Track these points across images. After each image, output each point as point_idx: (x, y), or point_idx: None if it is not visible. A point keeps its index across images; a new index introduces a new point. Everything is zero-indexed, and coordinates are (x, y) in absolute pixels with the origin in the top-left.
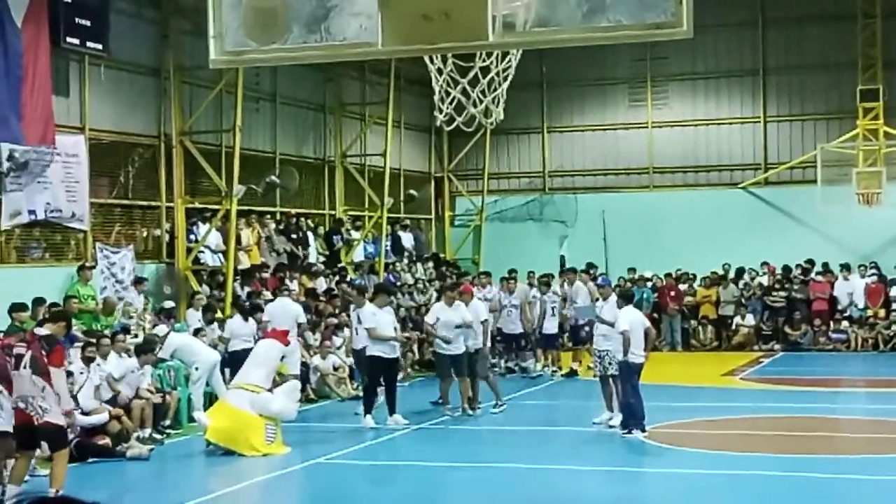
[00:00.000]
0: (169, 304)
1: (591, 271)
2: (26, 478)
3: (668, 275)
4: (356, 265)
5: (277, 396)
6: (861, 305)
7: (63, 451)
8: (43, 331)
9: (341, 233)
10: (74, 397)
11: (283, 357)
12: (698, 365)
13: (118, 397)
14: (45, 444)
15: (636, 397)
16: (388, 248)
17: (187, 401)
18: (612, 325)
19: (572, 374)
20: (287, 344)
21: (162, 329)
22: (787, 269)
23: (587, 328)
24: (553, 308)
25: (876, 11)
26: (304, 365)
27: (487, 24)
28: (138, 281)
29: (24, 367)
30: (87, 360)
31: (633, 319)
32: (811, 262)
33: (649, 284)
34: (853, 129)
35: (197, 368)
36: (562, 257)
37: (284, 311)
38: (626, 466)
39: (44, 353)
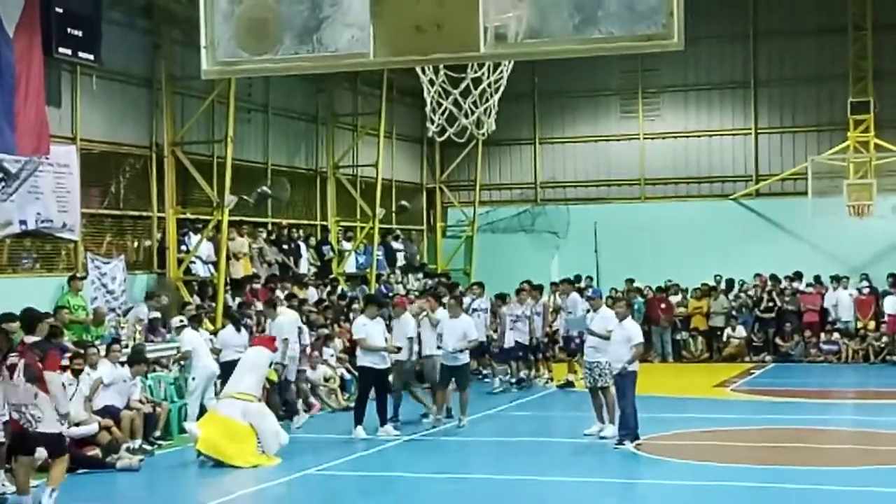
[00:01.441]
0: (154, 314)
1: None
2: (11, 488)
3: (659, 288)
4: (348, 276)
5: (272, 421)
6: (845, 318)
7: (63, 457)
8: (32, 338)
9: (330, 243)
10: None
11: (271, 363)
12: (689, 376)
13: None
14: (44, 452)
15: (633, 408)
16: (381, 258)
17: (178, 411)
18: (602, 336)
19: (568, 384)
20: (275, 350)
21: (176, 320)
22: (774, 278)
23: (577, 340)
24: (511, 321)
25: (867, 24)
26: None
27: (479, 36)
28: (149, 296)
29: (18, 376)
30: (76, 372)
31: (640, 330)
32: (799, 274)
33: (639, 295)
34: (844, 140)
35: (194, 378)
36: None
37: (288, 319)
38: (618, 478)
39: (37, 360)
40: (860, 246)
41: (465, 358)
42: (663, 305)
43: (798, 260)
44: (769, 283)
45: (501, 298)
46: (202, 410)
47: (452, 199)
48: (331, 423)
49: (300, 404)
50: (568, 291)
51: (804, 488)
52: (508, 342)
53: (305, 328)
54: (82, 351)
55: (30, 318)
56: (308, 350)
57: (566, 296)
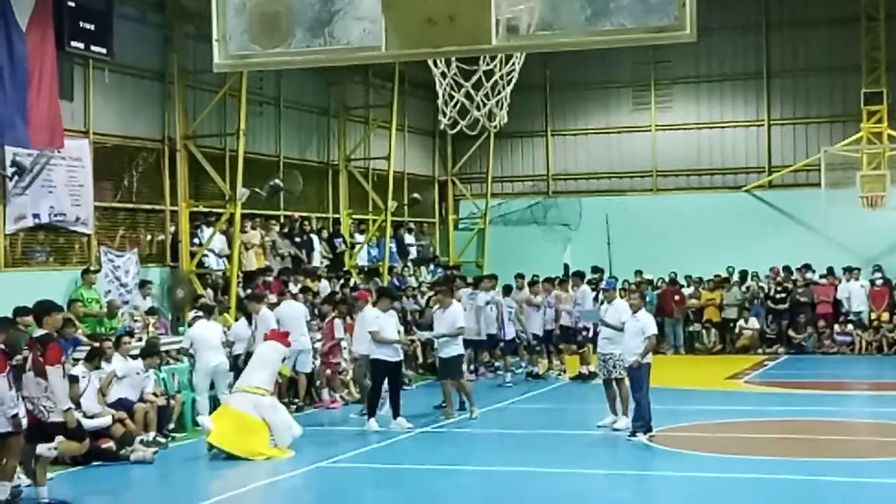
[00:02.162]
0: (148, 303)
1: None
2: (26, 481)
3: (672, 280)
4: (360, 269)
5: (284, 414)
6: (858, 309)
7: (79, 439)
8: (39, 331)
9: (342, 236)
10: (78, 402)
11: (283, 359)
12: (702, 368)
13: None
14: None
15: (647, 399)
16: (394, 251)
17: (191, 404)
18: (616, 328)
19: (580, 377)
20: (288, 345)
21: (191, 315)
22: (787, 269)
23: (584, 332)
24: (510, 313)
25: (880, 14)
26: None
27: (491, 28)
28: (143, 284)
29: (28, 370)
30: (95, 368)
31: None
32: (808, 265)
33: (650, 288)
34: (857, 132)
35: (196, 371)
36: (566, 265)
37: (293, 311)
38: (631, 470)
39: (39, 354)
40: (873, 237)
41: (454, 349)
42: (676, 298)
43: (811, 251)
44: (782, 273)
45: (507, 290)
46: (212, 402)
47: (464, 192)
48: (344, 416)
49: (326, 393)
50: (578, 284)
51: (819, 480)
52: (510, 334)
53: (339, 321)
54: (97, 344)
55: (37, 312)
56: (341, 343)
57: (576, 288)
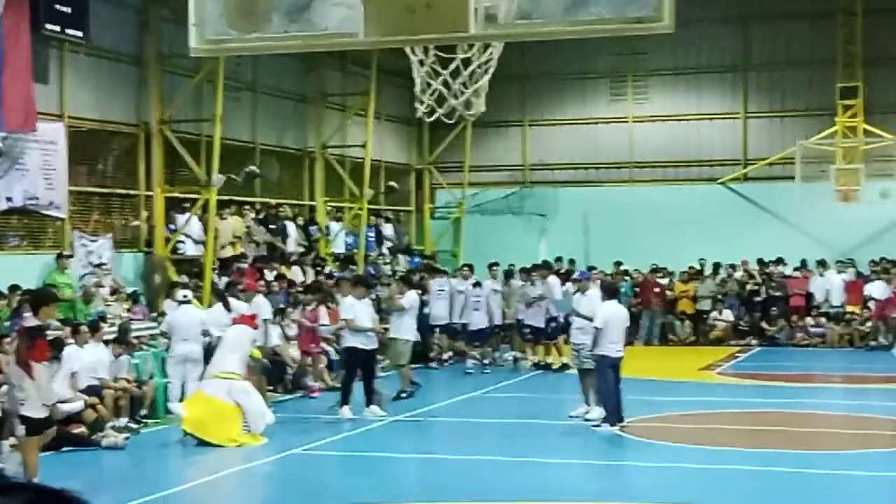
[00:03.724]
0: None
1: (557, 265)
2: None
3: (653, 269)
4: (336, 256)
5: (258, 398)
6: (836, 303)
7: (29, 438)
8: (32, 321)
9: (317, 223)
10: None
11: (254, 341)
12: (675, 359)
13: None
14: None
15: (609, 391)
16: (372, 239)
17: (163, 390)
18: (588, 319)
19: (559, 366)
20: (255, 328)
21: (181, 294)
22: (761, 262)
23: (553, 323)
24: (477, 302)
25: (856, 9)
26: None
27: (469, 16)
28: (98, 265)
29: (13, 356)
30: (59, 351)
31: (610, 314)
32: (781, 259)
33: (628, 279)
34: (832, 125)
35: (172, 357)
36: (545, 261)
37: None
38: (602, 460)
39: (26, 348)
40: (847, 231)
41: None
42: (657, 289)
43: (785, 244)
44: (756, 266)
45: (465, 278)
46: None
47: (441, 181)
48: (317, 403)
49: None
50: (545, 275)
51: (789, 471)
52: (478, 323)
53: (323, 308)
54: (71, 330)
55: (35, 301)
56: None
57: (544, 280)
